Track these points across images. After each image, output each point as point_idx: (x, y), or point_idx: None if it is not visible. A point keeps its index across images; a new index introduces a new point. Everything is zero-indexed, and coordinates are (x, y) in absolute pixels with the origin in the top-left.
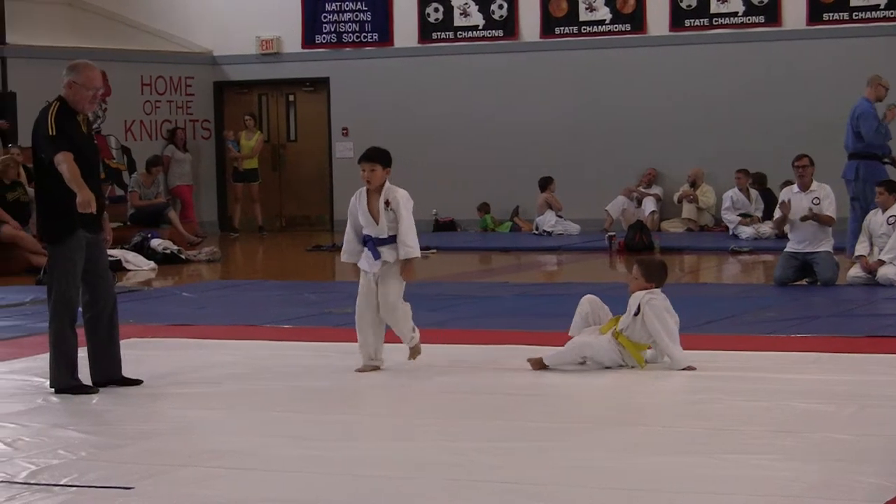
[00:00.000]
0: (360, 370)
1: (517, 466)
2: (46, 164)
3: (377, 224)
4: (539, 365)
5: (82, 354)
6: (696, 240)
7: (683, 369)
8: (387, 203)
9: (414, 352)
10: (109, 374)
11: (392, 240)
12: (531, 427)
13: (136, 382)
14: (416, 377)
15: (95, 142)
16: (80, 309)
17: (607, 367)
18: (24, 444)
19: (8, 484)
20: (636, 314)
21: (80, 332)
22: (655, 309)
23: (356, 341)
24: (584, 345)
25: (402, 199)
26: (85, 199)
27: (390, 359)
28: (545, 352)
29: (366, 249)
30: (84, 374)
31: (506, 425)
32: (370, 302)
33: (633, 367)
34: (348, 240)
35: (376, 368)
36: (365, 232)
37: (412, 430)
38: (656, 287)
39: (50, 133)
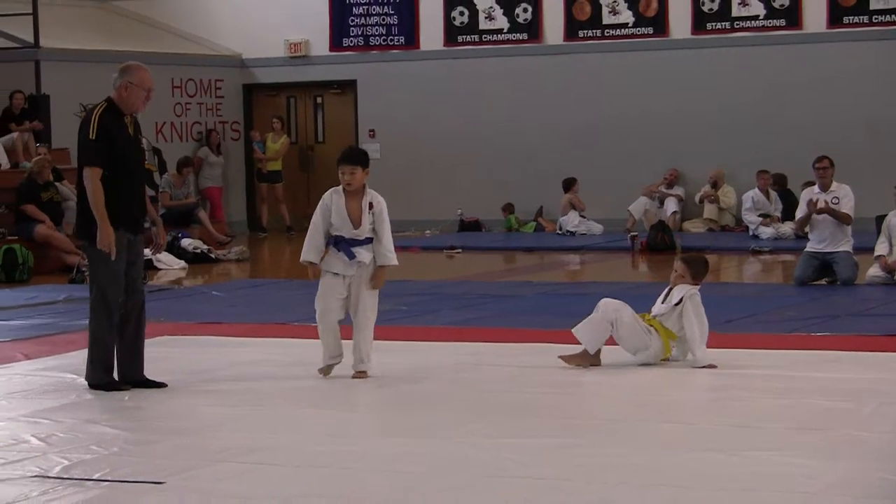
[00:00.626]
0: (323, 371)
1: (544, 462)
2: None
3: (357, 226)
4: (580, 360)
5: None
6: (718, 240)
7: (705, 367)
8: (370, 205)
9: (361, 375)
10: (132, 376)
11: (367, 241)
12: (557, 424)
13: (160, 385)
14: (443, 375)
15: (142, 144)
16: None
17: (632, 355)
18: (57, 440)
19: (42, 478)
20: (677, 304)
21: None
22: (696, 305)
23: (383, 339)
24: (610, 309)
25: (384, 204)
26: (104, 238)
27: (415, 358)
28: (574, 349)
29: (336, 251)
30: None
31: (532, 422)
32: (337, 303)
33: (651, 360)
34: (315, 237)
35: (337, 363)
36: (337, 233)
37: (439, 426)
38: (698, 283)
39: (90, 137)
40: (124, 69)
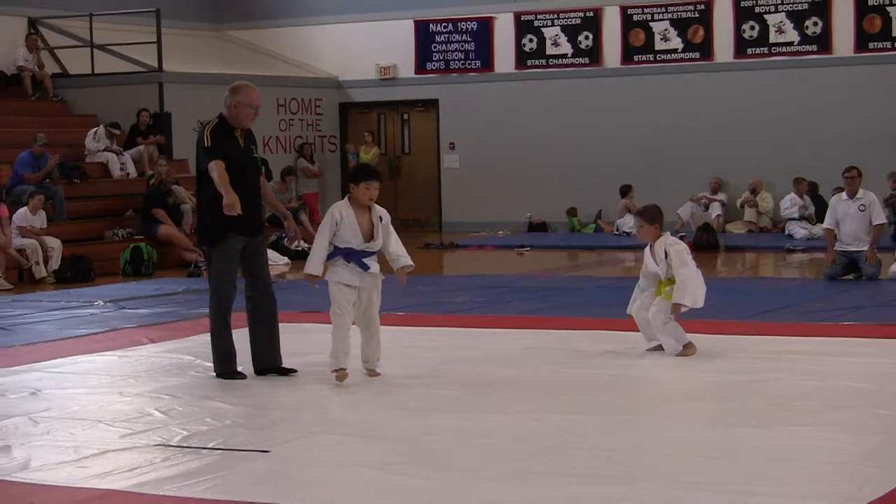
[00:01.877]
0: (340, 375)
1: (603, 436)
2: (204, 175)
3: (368, 239)
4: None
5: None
6: (756, 240)
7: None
8: (380, 219)
9: (374, 374)
10: (268, 364)
11: (374, 253)
12: (614, 402)
13: (292, 372)
14: (513, 358)
15: (254, 154)
16: (245, 301)
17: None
18: (177, 413)
19: (164, 447)
20: (665, 258)
21: (237, 317)
22: (679, 254)
23: (462, 326)
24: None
25: (388, 216)
26: (230, 202)
27: (489, 343)
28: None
29: (346, 263)
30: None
31: (591, 400)
32: (352, 313)
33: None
34: (322, 250)
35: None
36: (346, 245)
37: (509, 403)
38: (661, 227)
39: (206, 145)
40: (234, 89)
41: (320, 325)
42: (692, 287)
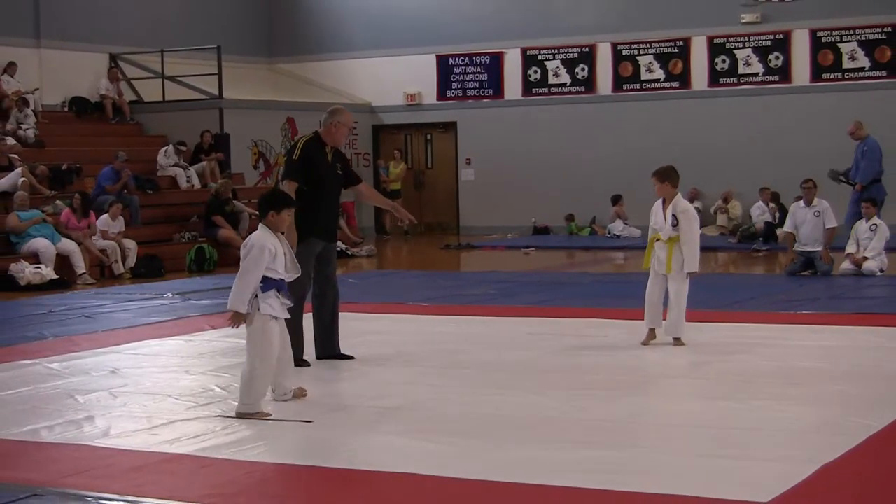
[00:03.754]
0: (266, 415)
1: (595, 408)
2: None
3: (296, 268)
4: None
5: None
6: (727, 241)
7: (691, 273)
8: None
9: (302, 393)
10: (329, 352)
11: None
12: (604, 380)
13: (350, 357)
14: (519, 342)
15: (339, 171)
16: (312, 296)
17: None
18: (234, 389)
19: (223, 418)
20: (675, 225)
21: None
22: (688, 220)
23: (477, 315)
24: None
25: None
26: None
27: (499, 329)
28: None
29: (276, 295)
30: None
31: (586, 378)
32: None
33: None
34: (254, 286)
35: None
36: (278, 276)
37: (514, 381)
38: (672, 185)
39: (293, 157)
40: (334, 111)
41: (355, 314)
42: (696, 254)
